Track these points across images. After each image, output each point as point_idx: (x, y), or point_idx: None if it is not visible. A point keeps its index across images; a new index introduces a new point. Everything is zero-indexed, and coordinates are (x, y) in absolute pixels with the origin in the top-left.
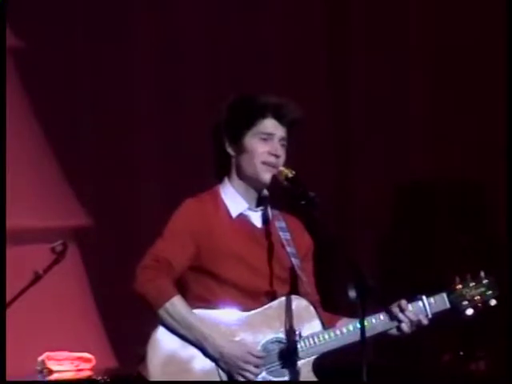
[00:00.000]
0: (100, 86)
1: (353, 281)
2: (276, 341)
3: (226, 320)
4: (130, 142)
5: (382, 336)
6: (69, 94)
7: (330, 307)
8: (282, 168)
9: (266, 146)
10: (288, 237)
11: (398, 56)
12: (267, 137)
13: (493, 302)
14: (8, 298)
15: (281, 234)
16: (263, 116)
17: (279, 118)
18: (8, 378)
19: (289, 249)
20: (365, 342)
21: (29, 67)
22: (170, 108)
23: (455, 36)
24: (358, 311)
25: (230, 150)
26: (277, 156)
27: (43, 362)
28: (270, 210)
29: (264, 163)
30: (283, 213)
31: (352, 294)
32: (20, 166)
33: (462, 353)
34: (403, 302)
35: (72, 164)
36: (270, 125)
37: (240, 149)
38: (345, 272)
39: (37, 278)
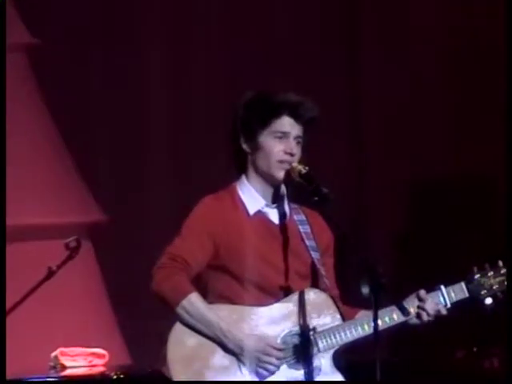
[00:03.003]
0: (113, 82)
1: (366, 277)
2: (295, 334)
3: (244, 315)
4: (144, 139)
5: (402, 326)
6: (83, 91)
7: (349, 302)
8: (295, 164)
9: (281, 144)
10: (308, 230)
11: (411, 53)
12: (283, 135)
13: None
14: (22, 293)
15: (300, 227)
16: (279, 114)
17: (295, 117)
18: (22, 375)
19: (308, 242)
20: (378, 340)
21: (43, 64)
22: (183, 105)
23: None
24: (372, 307)
25: (245, 147)
26: (292, 154)
27: (56, 357)
28: (287, 205)
29: (279, 161)
30: (303, 207)
31: (365, 290)
32: (34, 162)
33: (475, 349)
34: (422, 292)
35: (86, 160)
36: (286, 123)
37: (256, 146)
38: (358, 268)
39: (50, 273)
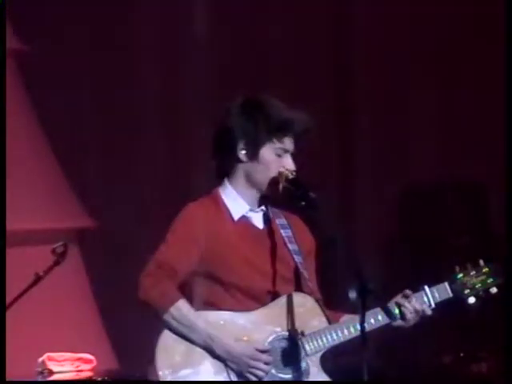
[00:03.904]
0: (103, 87)
1: (353, 282)
2: (283, 338)
3: (231, 320)
4: (132, 145)
5: (388, 329)
6: (72, 97)
7: (331, 307)
8: (282, 169)
9: (281, 160)
10: (290, 234)
11: (402, 60)
12: (283, 153)
13: (494, 290)
14: (9, 299)
15: (282, 231)
16: (286, 133)
17: (294, 134)
18: (8, 379)
19: (290, 246)
20: (366, 344)
21: (32, 70)
22: (173, 111)
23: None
24: (359, 312)
25: (242, 156)
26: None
27: (44, 362)
28: (270, 210)
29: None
30: (284, 211)
31: (352, 295)
32: (22, 168)
33: (462, 354)
34: (407, 292)
35: (74, 166)
36: (288, 141)
37: (255, 158)
38: (345, 273)
39: (37, 279)
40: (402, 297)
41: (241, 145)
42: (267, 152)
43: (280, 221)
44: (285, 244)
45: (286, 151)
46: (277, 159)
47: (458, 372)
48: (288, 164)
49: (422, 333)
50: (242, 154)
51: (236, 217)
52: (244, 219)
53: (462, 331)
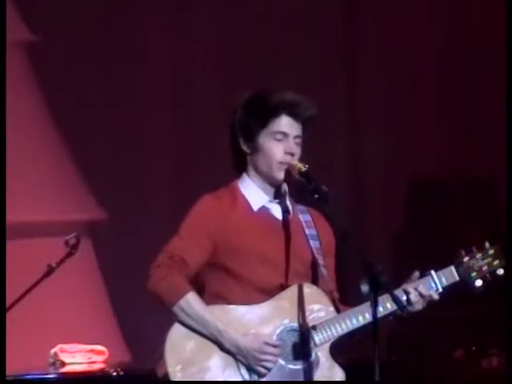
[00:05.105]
0: (113, 80)
1: (366, 276)
2: (291, 329)
3: (240, 314)
4: (144, 137)
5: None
6: (82, 87)
7: (343, 301)
8: (295, 162)
9: (281, 145)
10: (314, 232)
11: (410, 52)
12: (282, 136)
13: (501, 272)
14: (21, 290)
15: (306, 230)
16: (277, 114)
17: (294, 116)
18: (21, 371)
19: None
20: (377, 338)
21: (42, 61)
22: (183, 102)
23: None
24: (371, 305)
25: (245, 148)
26: (292, 154)
27: (56, 354)
28: (289, 203)
29: (280, 163)
30: (309, 208)
31: (365, 288)
32: (34, 159)
33: (474, 348)
34: (415, 275)
35: (86, 158)
36: (284, 123)
37: (255, 147)
38: (358, 267)
39: (50, 270)
40: (409, 281)
41: (241, 138)
42: (264, 139)
43: (305, 217)
44: (307, 241)
45: (284, 134)
46: (276, 144)
47: (469, 367)
48: (288, 148)
49: (435, 327)
50: (245, 147)
51: (255, 207)
52: (264, 210)
53: (473, 326)
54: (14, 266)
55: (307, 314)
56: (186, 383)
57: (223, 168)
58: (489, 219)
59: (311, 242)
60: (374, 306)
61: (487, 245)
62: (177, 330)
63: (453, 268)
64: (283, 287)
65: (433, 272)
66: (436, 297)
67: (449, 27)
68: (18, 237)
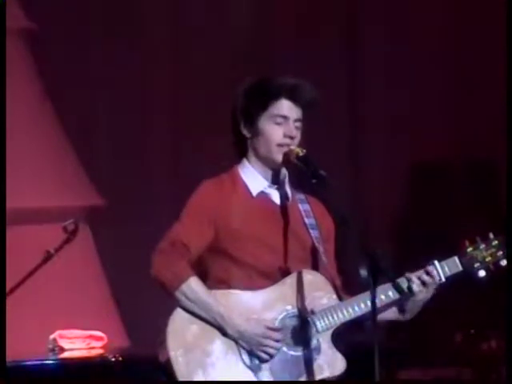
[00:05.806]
0: (114, 70)
1: (365, 261)
2: (293, 315)
3: (242, 299)
4: (144, 123)
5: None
6: (81, 75)
7: (344, 288)
8: (293, 146)
9: (281, 128)
10: (313, 221)
11: (411, 37)
12: (282, 120)
13: (504, 263)
14: (19, 277)
15: (306, 219)
16: (277, 97)
17: (294, 100)
18: (20, 358)
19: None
20: (376, 324)
21: (41, 48)
22: (184, 90)
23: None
24: (370, 290)
25: (245, 133)
26: (292, 137)
27: (55, 340)
28: (289, 187)
29: (279, 145)
30: (307, 196)
31: (364, 273)
32: (33, 146)
33: (473, 331)
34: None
35: (85, 144)
36: (284, 107)
37: (255, 131)
38: (358, 251)
39: (48, 256)
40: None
41: (242, 122)
42: (264, 122)
43: (304, 206)
44: (307, 229)
45: (284, 117)
46: (276, 128)
47: (469, 349)
48: (288, 131)
49: (434, 311)
50: (245, 131)
51: (254, 192)
52: (263, 195)
53: (473, 309)
54: (13, 252)
55: (310, 300)
56: (186, 383)
57: (225, 155)
58: (492, 203)
59: (311, 231)
60: (373, 289)
61: (491, 235)
62: (179, 315)
63: (456, 258)
64: (283, 271)
65: (436, 262)
66: (437, 286)
67: (448, 12)
68: (16, 223)
